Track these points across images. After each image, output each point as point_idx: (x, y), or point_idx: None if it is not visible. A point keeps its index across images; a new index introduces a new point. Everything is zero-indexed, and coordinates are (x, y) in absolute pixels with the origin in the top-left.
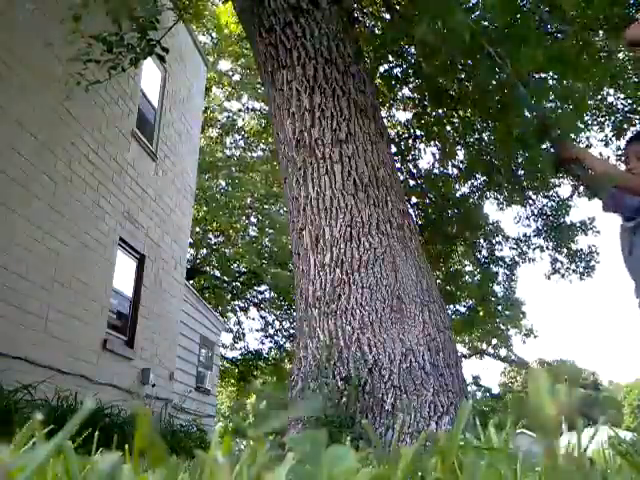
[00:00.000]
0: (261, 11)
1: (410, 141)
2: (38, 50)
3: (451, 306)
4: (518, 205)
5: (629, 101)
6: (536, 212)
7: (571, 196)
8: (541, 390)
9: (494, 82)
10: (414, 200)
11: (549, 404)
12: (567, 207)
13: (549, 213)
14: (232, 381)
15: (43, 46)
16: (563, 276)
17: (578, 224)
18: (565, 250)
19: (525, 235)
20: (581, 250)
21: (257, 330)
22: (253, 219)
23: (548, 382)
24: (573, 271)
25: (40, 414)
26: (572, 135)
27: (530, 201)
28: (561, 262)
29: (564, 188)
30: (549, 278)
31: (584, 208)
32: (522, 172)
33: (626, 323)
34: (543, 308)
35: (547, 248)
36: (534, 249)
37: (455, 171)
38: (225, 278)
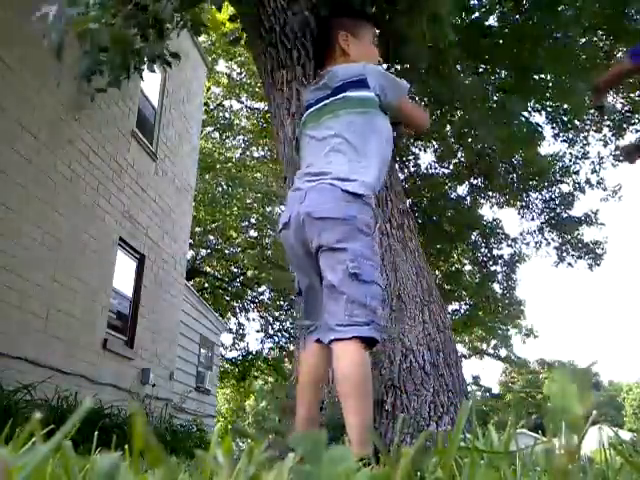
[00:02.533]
0: (261, 11)
1: (409, 141)
2: (38, 50)
3: (451, 306)
4: (514, 207)
5: (628, 101)
6: (538, 208)
7: (574, 191)
8: (566, 392)
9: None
10: (413, 200)
11: (575, 406)
12: (571, 201)
13: (553, 207)
14: (232, 382)
15: (44, 47)
16: (570, 264)
17: (583, 217)
18: (570, 241)
19: (521, 234)
20: (587, 244)
21: (257, 331)
22: (253, 220)
23: (571, 384)
24: (579, 257)
25: (39, 413)
26: None
27: (524, 203)
28: (567, 250)
29: (564, 186)
30: (556, 266)
31: (588, 202)
32: (520, 172)
33: (626, 323)
34: (543, 308)
35: (553, 240)
36: (538, 246)
37: (452, 170)
38: (225, 278)
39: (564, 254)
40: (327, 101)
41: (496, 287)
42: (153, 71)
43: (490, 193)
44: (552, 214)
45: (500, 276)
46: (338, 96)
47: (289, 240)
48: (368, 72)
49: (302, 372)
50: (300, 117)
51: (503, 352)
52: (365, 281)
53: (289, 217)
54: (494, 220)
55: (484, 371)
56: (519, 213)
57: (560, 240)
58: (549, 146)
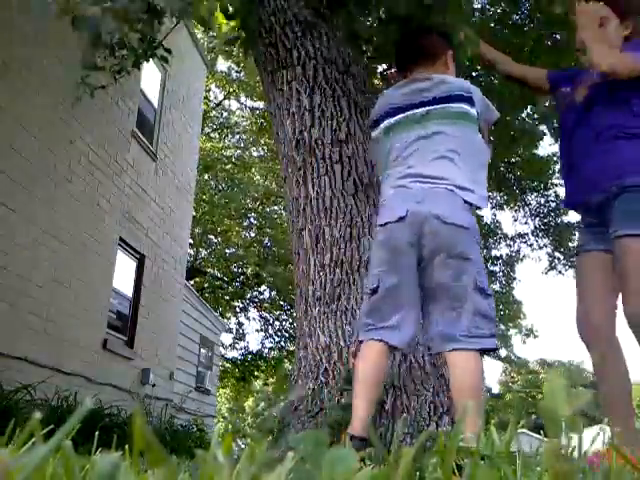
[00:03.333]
0: (261, 11)
1: None
2: (38, 50)
3: None
4: (513, 209)
5: None
6: (533, 212)
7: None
8: (557, 391)
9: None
10: None
11: (565, 405)
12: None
13: (546, 212)
14: (232, 382)
15: (44, 47)
16: (560, 272)
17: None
18: (562, 248)
19: (520, 234)
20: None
21: (257, 330)
22: (253, 220)
23: (564, 383)
24: (570, 267)
25: (39, 413)
26: None
27: (523, 202)
28: (558, 258)
29: (562, 189)
30: (546, 274)
31: None
32: (518, 173)
33: (626, 323)
34: (543, 308)
35: (545, 246)
36: (532, 248)
37: None
38: (225, 278)
39: (555, 261)
40: (433, 107)
41: (496, 287)
42: (141, 62)
43: (490, 194)
44: (546, 219)
45: (499, 275)
46: (447, 104)
47: (398, 235)
48: (474, 91)
49: (368, 370)
50: (368, 117)
51: (503, 352)
52: (488, 294)
53: (406, 212)
54: (493, 220)
55: (484, 371)
56: (513, 216)
57: (552, 247)
58: (550, 146)
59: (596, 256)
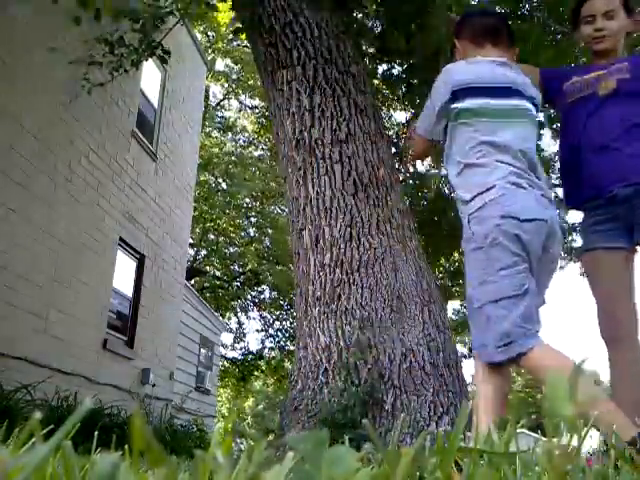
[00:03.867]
0: (261, 11)
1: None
2: (38, 50)
3: (455, 302)
4: None
5: None
6: None
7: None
8: (560, 391)
9: None
10: (413, 200)
11: (569, 405)
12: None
13: None
14: (232, 382)
15: (44, 47)
16: (561, 267)
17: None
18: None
19: None
20: (578, 249)
21: (257, 330)
22: (253, 219)
23: (567, 383)
24: (571, 260)
25: (39, 413)
26: None
27: None
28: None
29: (561, 189)
30: None
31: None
32: None
33: None
34: (543, 308)
35: None
36: None
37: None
38: (225, 278)
39: None
40: (532, 113)
41: None
42: (141, 61)
43: None
44: None
45: None
46: (536, 114)
47: (540, 235)
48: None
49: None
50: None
51: None
52: None
53: (544, 215)
54: None
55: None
56: None
57: None
58: (549, 147)
59: (608, 254)
